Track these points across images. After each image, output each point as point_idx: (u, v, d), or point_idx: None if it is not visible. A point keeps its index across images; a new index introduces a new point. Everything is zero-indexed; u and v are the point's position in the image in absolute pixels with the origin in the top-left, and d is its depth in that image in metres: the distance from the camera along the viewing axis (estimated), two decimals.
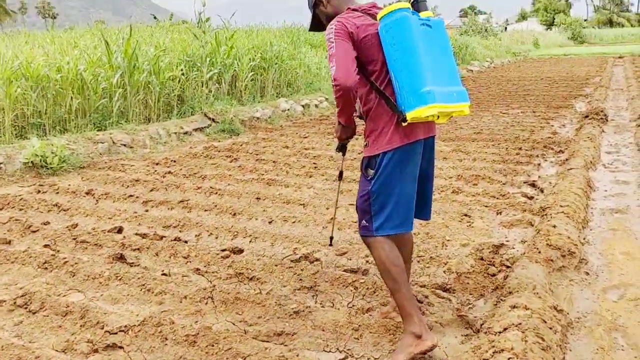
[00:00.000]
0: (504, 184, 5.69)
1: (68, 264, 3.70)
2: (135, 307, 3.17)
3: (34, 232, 4.43)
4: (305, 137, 8.79)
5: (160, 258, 3.88)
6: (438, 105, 2.31)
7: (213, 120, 9.37)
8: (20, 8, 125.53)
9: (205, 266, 3.74)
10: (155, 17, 18.78)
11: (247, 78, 11.15)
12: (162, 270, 3.66)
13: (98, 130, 7.93)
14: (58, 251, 4.08)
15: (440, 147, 7.69)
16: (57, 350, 2.73)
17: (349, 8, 2.65)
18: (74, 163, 6.75)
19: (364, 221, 2.59)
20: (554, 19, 66.22)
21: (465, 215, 4.72)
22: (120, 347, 2.74)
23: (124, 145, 7.73)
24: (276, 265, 3.67)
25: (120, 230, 4.54)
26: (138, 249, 4.01)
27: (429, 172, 2.75)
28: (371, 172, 2.54)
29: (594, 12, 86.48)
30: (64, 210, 5.03)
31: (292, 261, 3.79)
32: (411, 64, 2.37)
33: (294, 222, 4.58)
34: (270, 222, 4.61)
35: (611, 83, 16.05)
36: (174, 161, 7.02)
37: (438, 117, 2.36)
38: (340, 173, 3.13)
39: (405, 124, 2.41)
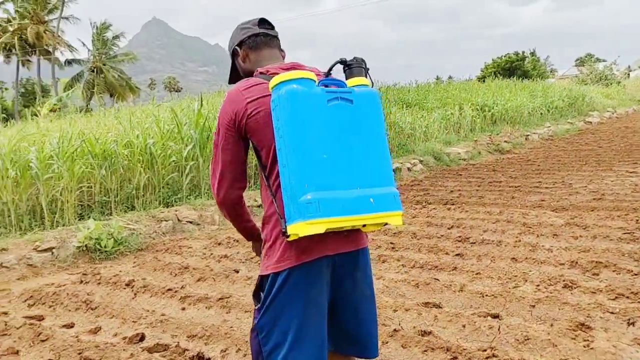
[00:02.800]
0: (635, 274, 4.31)
1: None
2: None
3: (43, 341, 3.78)
4: None
5: None
6: (325, 221, 1.67)
7: None
8: (150, 84, 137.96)
9: None
10: None
11: None
12: None
13: (165, 207, 7.48)
14: None
15: (550, 218, 6.35)
16: None
17: (259, 71, 1.99)
18: (132, 245, 6.25)
19: None
20: None
21: (582, 325, 3.45)
22: None
23: (190, 222, 7.19)
24: None
25: (142, 338, 3.80)
26: None
27: (355, 299, 1.99)
28: (261, 297, 1.91)
29: None
30: (92, 309, 4.39)
31: None
32: (293, 157, 1.71)
33: None
34: None
35: None
36: (237, 241, 6.30)
37: (364, 225, 1.77)
38: None
39: (289, 239, 1.76)
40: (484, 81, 25.46)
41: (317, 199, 1.66)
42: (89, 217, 6.75)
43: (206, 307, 4.25)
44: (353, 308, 1.99)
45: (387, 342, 3.36)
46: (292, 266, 1.83)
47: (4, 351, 3.78)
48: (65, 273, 5.60)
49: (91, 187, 7.25)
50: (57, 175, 6.72)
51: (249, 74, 2.09)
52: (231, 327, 3.86)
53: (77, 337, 3.79)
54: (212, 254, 5.81)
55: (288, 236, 1.74)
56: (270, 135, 1.84)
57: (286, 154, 1.73)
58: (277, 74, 1.85)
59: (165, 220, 7.00)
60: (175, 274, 5.23)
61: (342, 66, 1.95)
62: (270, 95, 1.82)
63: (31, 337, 3.86)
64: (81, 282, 5.18)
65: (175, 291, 4.64)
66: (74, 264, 5.86)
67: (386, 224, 1.79)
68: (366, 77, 1.95)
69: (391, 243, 5.72)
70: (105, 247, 6.00)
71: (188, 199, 7.77)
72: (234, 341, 3.55)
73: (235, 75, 2.23)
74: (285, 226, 1.74)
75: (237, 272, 5.18)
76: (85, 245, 5.97)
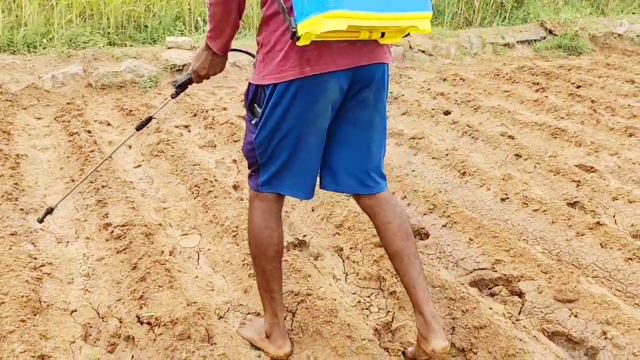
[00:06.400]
0: None
1: None
2: None
3: (236, 141, 3.93)
4: None
5: None
6: (346, 14, 1.38)
7: (550, 31, 7.36)
8: None
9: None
10: None
11: None
12: None
13: None
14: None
15: None
16: None
17: None
18: None
19: (250, 171, 1.85)
20: None
21: None
22: None
23: (422, 51, 6.65)
24: None
25: None
26: None
27: (369, 119, 1.77)
28: (258, 110, 1.71)
29: None
30: None
31: None
32: None
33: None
34: None
35: None
36: (463, 79, 5.64)
37: (383, 34, 1.56)
38: (148, 119, 2.15)
39: (299, 42, 1.48)
40: None
41: None
42: None
43: (396, 144, 3.92)
44: (367, 129, 1.78)
45: (582, 235, 2.68)
46: (294, 78, 1.59)
47: (205, 143, 4.06)
48: None
49: None
50: None
51: None
52: (413, 170, 3.51)
53: None
54: (429, 88, 5.31)
55: (298, 38, 1.46)
56: None
57: None
58: None
59: (396, 45, 6.57)
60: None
61: None
62: None
63: (228, 134, 4.05)
64: None
65: None
66: None
67: (408, 34, 1.59)
68: None
69: None
70: None
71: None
72: (405, 186, 3.20)
73: None
74: (295, 25, 1.45)
75: (447, 113, 4.66)
76: None
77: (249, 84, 1.74)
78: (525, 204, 2.97)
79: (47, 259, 2.45)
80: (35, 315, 2.02)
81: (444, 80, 5.73)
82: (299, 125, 1.67)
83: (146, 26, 6.36)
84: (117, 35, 6.14)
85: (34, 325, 1.95)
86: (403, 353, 1.98)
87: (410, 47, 6.59)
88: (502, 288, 2.36)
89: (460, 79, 5.65)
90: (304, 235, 2.74)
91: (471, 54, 6.84)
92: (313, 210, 2.93)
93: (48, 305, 2.12)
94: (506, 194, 3.08)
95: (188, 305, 2.08)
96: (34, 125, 4.44)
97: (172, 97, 2.08)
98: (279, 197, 1.82)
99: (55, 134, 4.20)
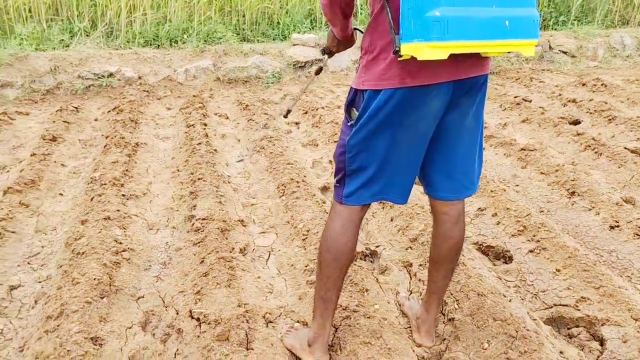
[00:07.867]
0: None
1: None
2: None
3: None
4: None
5: None
6: (449, 45, 1.37)
7: None
8: None
9: None
10: None
11: None
12: None
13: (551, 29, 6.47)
14: None
15: None
16: None
17: None
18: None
19: (335, 181, 1.81)
20: None
21: None
22: None
23: (564, 52, 6.08)
24: None
25: None
26: None
27: (465, 124, 1.71)
28: (355, 113, 1.69)
29: None
30: None
31: None
32: None
33: None
34: None
35: None
36: (605, 85, 5.06)
37: None
38: (319, 70, 2.14)
39: (400, 59, 1.48)
40: None
41: (446, 17, 1.36)
42: None
43: (504, 154, 3.64)
44: (462, 139, 1.73)
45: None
46: (397, 87, 1.57)
47: (309, 141, 4.09)
48: None
49: None
50: None
51: None
52: (517, 185, 3.23)
53: None
54: (561, 94, 4.84)
55: (400, 55, 1.47)
56: None
57: None
58: None
59: (538, 45, 6.09)
60: (505, 108, 4.60)
61: None
62: None
63: (331, 134, 4.03)
64: None
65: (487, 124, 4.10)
66: None
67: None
68: None
69: None
70: None
71: (573, 23, 6.52)
72: (498, 202, 2.95)
73: None
74: (399, 44, 1.45)
75: (575, 123, 4.22)
76: None
77: (350, 87, 1.74)
78: (637, 234, 2.59)
79: (131, 244, 2.63)
80: (102, 298, 2.18)
81: (583, 85, 5.20)
82: (394, 133, 1.64)
83: (278, 23, 6.56)
84: (251, 31, 6.42)
85: (97, 308, 2.10)
86: None
87: (550, 47, 6.07)
88: (582, 330, 2.08)
89: (602, 84, 5.08)
90: (377, 246, 2.64)
91: (623, 57, 6.11)
92: (392, 220, 2.82)
93: (117, 290, 2.28)
94: (617, 221, 2.71)
95: (238, 306, 2.11)
96: (163, 115, 4.80)
97: (325, 56, 2.07)
98: (363, 206, 1.81)
99: (177, 124, 4.50)
